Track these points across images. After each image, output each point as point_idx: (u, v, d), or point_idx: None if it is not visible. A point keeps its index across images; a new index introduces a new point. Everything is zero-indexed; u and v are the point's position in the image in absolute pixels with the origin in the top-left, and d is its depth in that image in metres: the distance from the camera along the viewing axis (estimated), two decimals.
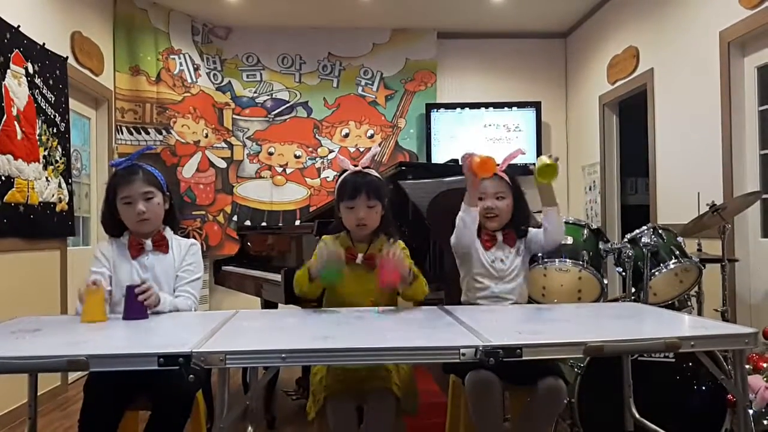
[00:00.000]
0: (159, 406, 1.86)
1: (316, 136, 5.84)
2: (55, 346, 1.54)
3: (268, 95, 5.82)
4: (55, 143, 3.84)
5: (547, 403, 1.95)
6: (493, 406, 1.94)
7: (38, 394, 1.90)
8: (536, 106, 5.87)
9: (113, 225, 2.10)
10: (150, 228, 2.08)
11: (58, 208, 3.83)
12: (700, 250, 3.25)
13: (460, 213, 2.19)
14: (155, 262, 2.06)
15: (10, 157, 3.30)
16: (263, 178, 5.78)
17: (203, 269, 2.19)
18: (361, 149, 5.83)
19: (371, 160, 2.16)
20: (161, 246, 2.08)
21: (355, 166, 2.12)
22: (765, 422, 2.41)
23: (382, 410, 1.92)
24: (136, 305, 1.84)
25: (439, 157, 5.73)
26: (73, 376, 4.07)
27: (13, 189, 3.34)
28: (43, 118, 3.69)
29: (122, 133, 5.14)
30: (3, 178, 3.25)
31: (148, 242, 2.07)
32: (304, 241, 3.18)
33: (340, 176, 2.14)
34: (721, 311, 3.11)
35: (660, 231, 2.87)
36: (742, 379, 1.63)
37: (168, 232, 2.13)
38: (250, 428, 2.14)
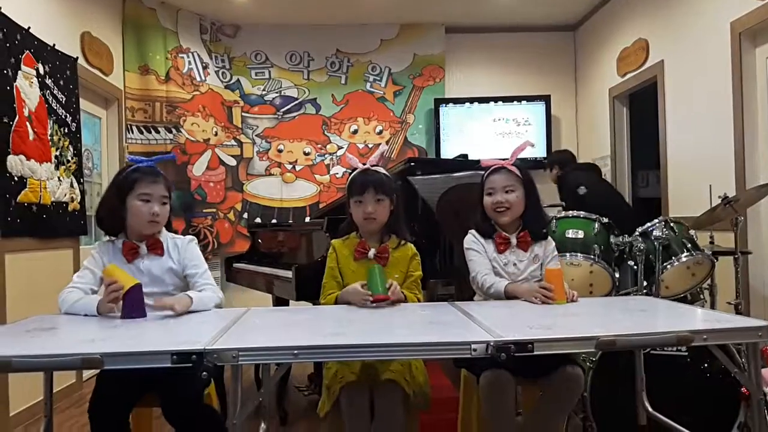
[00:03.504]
0: (166, 404, 1.88)
1: (325, 132, 5.85)
2: (69, 344, 1.55)
3: (276, 93, 5.83)
4: (66, 143, 3.87)
5: (565, 390, 1.93)
6: (507, 405, 1.93)
7: (54, 391, 1.92)
8: (546, 99, 5.84)
9: (114, 223, 2.07)
10: (155, 230, 2.07)
11: (70, 208, 3.86)
12: (712, 242, 3.22)
13: (493, 284, 2.10)
14: (151, 266, 2.04)
15: (22, 157, 3.33)
16: (273, 175, 5.80)
17: (205, 261, 2.17)
18: (370, 145, 5.83)
19: (380, 158, 2.24)
20: (156, 249, 2.06)
21: (364, 164, 2.20)
22: None
23: (390, 404, 1.93)
24: (135, 304, 1.84)
25: (448, 152, 5.73)
26: (87, 373, 4.11)
27: (26, 189, 3.37)
28: (54, 118, 3.72)
29: (132, 132, 5.17)
30: (16, 178, 3.28)
31: (143, 246, 2.05)
32: (314, 237, 3.20)
33: (350, 174, 2.22)
34: (734, 304, 3.08)
35: (672, 224, 2.85)
36: (756, 372, 1.62)
37: (162, 235, 2.11)
38: (263, 424, 2.15)
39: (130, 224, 2.05)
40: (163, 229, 2.12)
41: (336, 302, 2.09)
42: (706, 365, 2.49)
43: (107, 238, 2.10)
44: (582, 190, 3.82)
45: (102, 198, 2.13)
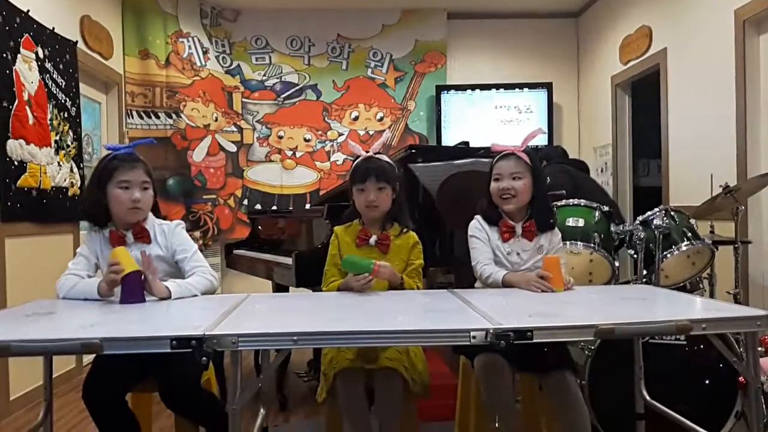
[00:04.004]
0: (164, 388, 1.89)
1: (326, 119, 5.83)
2: (69, 329, 1.56)
3: (277, 78, 5.80)
4: (66, 128, 3.86)
5: (559, 395, 1.92)
6: (504, 387, 1.94)
7: (53, 376, 1.93)
8: (548, 87, 5.81)
9: (98, 214, 2.03)
10: (139, 218, 2.03)
11: (70, 193, 3.86)
12: (712, 232, 3.22)
13: (491, 273, 2.09)
14: (139, 254, 1.98)
15: (22, 141, 3.32)
16: (273, 161, 5.79)
17: (194, 243, 2.14)
18: (371, 132, 5.81)
19: (382, 146, 2.26)
20: (142, 237, 2.03)
21: (367, 151, 2.21)
22: None
23: (389, 391, 1.94)
24: (133, 289, 1.83)
25: (449, 139, 5.71)
26: (87, 358, 4.13)
27: (26, 174, 3.36)
28: (54, 102, 3.71)
29: (132, 117, 5.15)
30: (16, 163, 3.28)
31: (129, 235, 2.02)
32: (314, 224, 3.19)
33: (353, 161, 2.22)
34: (733, 293, 3.09)
35: (672, 213, 2.85)
36: (754, 361, 1.62)
37: (149, 222, 2.07)
38: (262, 410, 2.16)
39: (113, 213, 2.02)
40: (150, 215, 2.09)
41: (338, 290, 2.10)
42: (704, 354, 2.50)
43: (95, 228, 2.07)
44: None
45: (85, 190, 2.11)
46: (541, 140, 5.58)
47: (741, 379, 2.40)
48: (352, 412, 1.95)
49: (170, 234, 2.07)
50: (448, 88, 5.82)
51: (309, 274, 2.71)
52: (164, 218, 2.15)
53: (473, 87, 5.81)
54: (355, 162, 2.19)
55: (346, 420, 1.96)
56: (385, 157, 2.20)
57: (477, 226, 2.21)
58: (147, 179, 2.02)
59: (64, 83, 3.85)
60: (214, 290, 2.05)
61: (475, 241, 2.19)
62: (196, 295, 1.96)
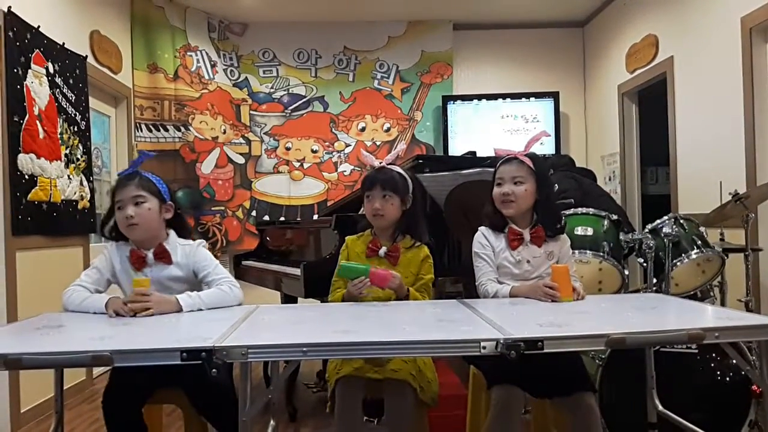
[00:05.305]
0: (195, 401, 1.89)
1: (333, 130, 5.85)
2: (79, 341, 1.56)
3: (284, 90, 5.84)
4: (76, 141, 3.89)
5: (579, 417, 1.87)
6: (515, 423, 1.87)
7: (65, 388, 1.93)
8: (554, 96, 5.81)
9: (117, 233, 2.03)
10: (140, 234, 1.99)
11: (80, 206, 3.88)
12: (722, 239, 3.20)
13: (497, 290, 2.05)
14: (158, 275, 1.98)
15: (33, 156, 3.35)
16: (281, 173, 5.81)
17: (214, 258, 2.10)
18: (378, 143, 5.83)
19: (395, 158, 2.28)
20: (163, 258, 2.00)
21: (380, 161, 2.23)
22: None
23: (400, 402, 1.93)
24: None
25: (456, 149, 5.71)
26: (98, 370, 4.13)
27: (36, 187, 3.39)
28: (64, 116, 3.74)
29: (141, 131, 5.19)
30: (26, 176, 3.30)
31: (150, 255, 2.00)
32: (322, 235, 3.20)
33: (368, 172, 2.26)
34: (744, 301, 3.07)
35: (681, 221, 2.84)
36: (767, 369, 1.61)
37: (170, 242, 2.04)
38: (272, 421, 2.16)
39: None
40: (173, 234, 2.06)
41: (343, 300, 2.10)
42: (716, 363, 2.47)
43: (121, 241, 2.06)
44: None
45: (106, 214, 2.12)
46: (548, 149, 5.60)
47: (754, 387, 2.38)
48: (344, 419, 1.93)
49: (192, 255, 2.04)
50: (455, 98, 5.83)
51: (317, 285, 2.71)
52: (189, 233, 2.12)
53: (479, 97, 5.81)
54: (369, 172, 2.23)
55: (337, 426, 1.93)
56: (397, 168, 2.20)
57: (481, 240, 2.14)
58: (141, 193, 1.98)
59: (74, 97, 3.88)
60: (235, 300, 1.98)
61: (479, 260, 2.12)
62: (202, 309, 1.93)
